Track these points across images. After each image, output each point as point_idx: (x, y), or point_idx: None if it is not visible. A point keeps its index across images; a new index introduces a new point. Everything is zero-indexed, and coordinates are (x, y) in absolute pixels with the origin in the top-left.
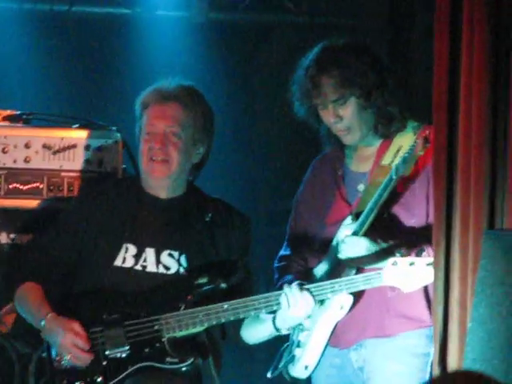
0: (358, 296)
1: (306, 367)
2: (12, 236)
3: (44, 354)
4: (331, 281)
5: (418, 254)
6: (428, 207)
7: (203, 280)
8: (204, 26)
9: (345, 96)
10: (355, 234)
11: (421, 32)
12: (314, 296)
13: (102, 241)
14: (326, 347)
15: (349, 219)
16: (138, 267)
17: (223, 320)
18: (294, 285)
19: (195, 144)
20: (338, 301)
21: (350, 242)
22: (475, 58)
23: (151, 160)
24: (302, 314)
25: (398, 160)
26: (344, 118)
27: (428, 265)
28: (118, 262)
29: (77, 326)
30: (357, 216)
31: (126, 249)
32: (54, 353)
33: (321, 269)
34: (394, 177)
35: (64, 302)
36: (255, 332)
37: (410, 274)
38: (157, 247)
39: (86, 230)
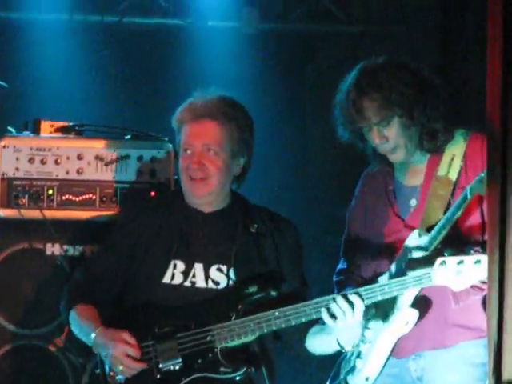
0: (423, 311)
1: (367, 379)
2: (65, 247)
3: (98, 371)
4: (380, 283)
5: (466, 253)
6: (482, 216)
7: (253, 289)
8: (254, 36)
9: (387, 117)
10: (425, 249)
11: (473, 38)
12: (363, 300)
13: (150, 257)
14: (387, 360)
15: (415, 234)
16: (188, 283)
17: (274, 328)
18: (341, 294)
19: (234, 157)
20: (404, 316)
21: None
22: None
23: (190, 179)
24: (351, 322)
25: (454, 171)
26: (389, 138)
27: (476, 262)
28: (166, 279)
29: (127, 336)
30: (427, 230)
31: (175, 265)
32: (107, 368)
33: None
34: (468, 197)
35: (114, 319)
36: (321, 343)
37: (459, 272)
38: (205, 262)
39: (135, 247)
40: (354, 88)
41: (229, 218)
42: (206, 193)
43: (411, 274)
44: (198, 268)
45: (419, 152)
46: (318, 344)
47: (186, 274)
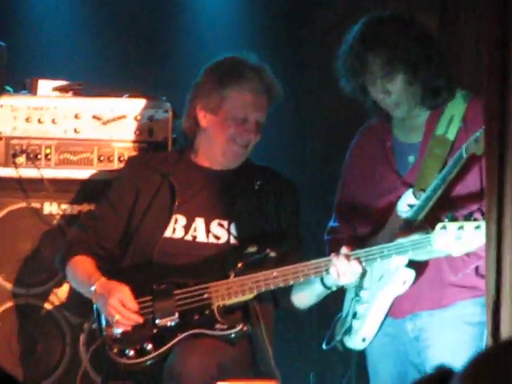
0: (419, 271)
1: (364, 339)
2: (63, 206)
3: (94, 325)
4: (380, 246)
5: (467, 218)
6: (481, 176)
7: (253, 249)
8: None
9: (392, 72)
10: (420, 209)
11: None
12: (361, 262)
13: (151, 212)
14: (384, 320)
15: (409, 193)
16: (189, 237)
17: (273, 287)
18: (342, 255)
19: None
20: (401, 276)
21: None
22: None
23: (235, 143)
24: (352, 280)
25: (452, 130)
26: (392, 93)
27: (476, 228)
28: (168, 233)
29: (125, 289)
30: (420, 189)
31: (176, 220)
32: (104, 322)
33: (378, 239)
34: (464, 155)
35: (115, 274)
36: (305, 295)
37: (458, 237)
38: (206, 217)
39: (135, 205)
40: (358, 41)
41: (233, 175)
42: (242, 159)
43: (411, 238)
44: (200, 222)
45: (420, 108)
46: (303, 297)
47: (187, 228)
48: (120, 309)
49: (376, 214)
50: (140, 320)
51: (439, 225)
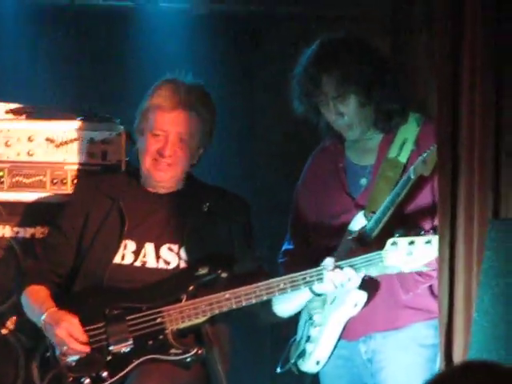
0: (371, 293)
1: (318, 362)
2: (16, 229)
3: (48, 354)
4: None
5: (417, 234)
6: (433, 197)
7: (204, 271)
8: (206, 17)
9: (344, 93)
10: (370, 230)
11: (423, 21)
12: (313, 280)
13: (101, 237)
14: (337, 342)
15: (361, 215)
16: (138, 263)
17: (225, 309)
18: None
19: (199, 148)
20: (352, 298)
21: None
22: (477, 50)
23: (156, 161)
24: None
25: (405, 154)
26: (345, 114)
27: (427, 243)
28: (117, 260)
29: (73, 320)
30: (371, 211)
31: (125, 245)
32: (57, 351)
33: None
34: (412, 177)
35: (66, 301)
36: (291, 303)
37: (410, 253)
38: (156, 242)
39: (85, 229)
40: (312, 62)
41: (182, 198)
42: (169, 178)
43: (362, 256)
44: (149, 248)
45: (373, 131)
46: (287, 304)
47: (136, 253)
48: (67, 339)
49: (329, 235)
50: (87, 350)
51: (390, 241)
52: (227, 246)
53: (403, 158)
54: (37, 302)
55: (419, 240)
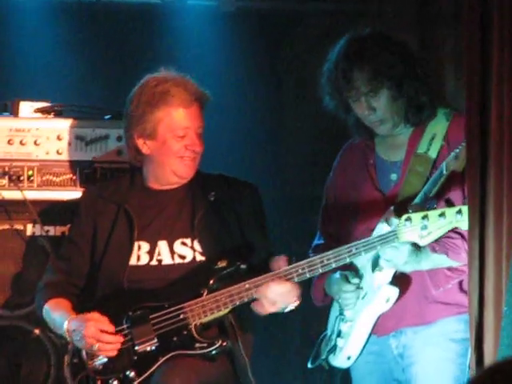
0: (403, 288)
1: (349, 357)
2: (46, 228)
3: (75, 360)
4: (347, 245)
5: (430, 208)
6: (464, 196)
7: (223, 264)
8: (233, 14)
9: (377, 88)
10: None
11: (451, 14)
12: (331, 263)
13: (112, 243)
14: (368, 338)
15: (391, 210)
16: (154, 262)
17: (246, 299)
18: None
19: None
20: (384, 294)
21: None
22: (506, 43)
23: (182, 160)
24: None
25: (434, 149)
26: (377, 109)
27: (440, 215)
28: (133, 261)
29: (96, 315)
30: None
31: (139, 246)
32: (84, 355)
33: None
34: (444, 172)
35: (88, 308)
36: None
37: (424, 227)
38: (168, 239)
39: (96, 238)
40: (343, 58)
41: (188, 191)
42: (193, 172)
43: (376, 233)
44: (163, 245)
45: (403, 125)
46: None
47: (151, 253)
48: (98, 336)
49: (358, 231)
50: (121, 339)
51: (404, 217)
52: (239, 233)
53: (433, 154)
54: (57, 313)
55: (432, 213)
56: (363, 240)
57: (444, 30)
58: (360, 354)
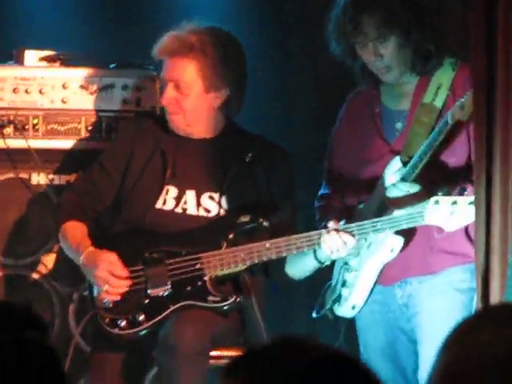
0: (408, 238)
1: (354, 307)
2: (51, 177)
3: (86, 293)
4: (373, 220)
5: (460, 193)
6: (469, 145)
7: (245, 219)
8: None
9: (385, 34)
10: (407, 176)
11: None
12: (354, 236)
13: (143, 181)
14: (373, 287)
15: (397, 159)
16: (179, 210)
17: (265, 259)
18: (333, 231)
19: (209, 91)
20: (389, 243)
21: (402, 189)
22: None
23: (168, 113)
24: (344, 255)
25: (440, 98)
26: (384, 56)
27: (470, 203)
28: (158, 204)
29: (112, 256)
30: (407, 156)
31: (167, 191)
32: (95, 292)
33: (365, 207)
34: (449, 122)
35: (105, 241)
36: (299, 266)
37: (452, 212)
38: (197, 189)
39: (128, 170)
40: (352, 3)
41: (221, 145)
42: (183, 126)
43: (404, 212)
44: (190, 195)
45: (409, 74)
46: (297, 268)
47: (177, 200)
48: (108, 278)
49: (363, 180)
50: (129, 283)
51: (433, 199)
52: (267, 197)
53: (439, 103)
54: (74, 241)
55: (462, 200)
56: (389, 217)
57: None
58: (365, 304)
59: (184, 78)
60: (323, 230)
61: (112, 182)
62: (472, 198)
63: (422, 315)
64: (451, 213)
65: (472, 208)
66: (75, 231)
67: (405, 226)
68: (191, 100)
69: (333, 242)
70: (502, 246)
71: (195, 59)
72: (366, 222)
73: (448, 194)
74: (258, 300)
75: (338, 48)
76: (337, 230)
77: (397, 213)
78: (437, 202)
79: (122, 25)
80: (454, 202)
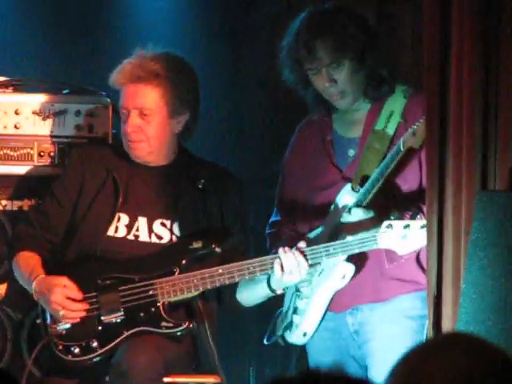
0: (359, 266)
1: (305, 334)
2: (3, 202)
3: (38, 320)
4: (325, 244)
5: (413, 217)
6: (421, 172)
7: (198, 245)
8: None
9: (339, 59)
10: (359, 203)
11: None
12: (308, 260)
13: (94, 209)
14: (324, 314)
15: (348, 187)
16: (131, 237)
17: (218, 284)
18: (288, 250)
19: (172, 116)
20: (341, 270)
21: (356, 214)
22: (465, 20)
23: (128, 141)
24: (296, 279)
25: (392, 126)
26: (338, 81)
27: (422, 227)
28: (110, 232)
29: (65, 280)
30: (360, 183)
31: (119, 218)
32: (48, 318)
33: (316, 234)
34: (401, 149)
35: (57, 270)
36: (251, 294)
37: (404, 236)
38: (149, 216)
39: (80, 198)
40: (305, 29)
41: (174, 173)
42: (145, 154)
43: (357, 237)
44: (142, 222)
45: (362, 100)
46: (248, 296)
47: (129, 227)
48: (64, 302)
49: (315, 207)
50: (86, 306)
51: (385, 223)
52: (219, 224)
53: (390, 130)
54: (27, 269)
55: (415, 224)
56: (341, 241)
57: (402, 4)
58: (316, 331)
59: (148, 104)
60: (279, 251)
61: (64, 213)
62: (424, 222)
63: (373, 342)
64: (404, 236)
65: (424, 232)
66: (28, 260)
67: (357, 251)
68: (156, 127)
69: (287, 262)
70: (455, 275)
71: (159, 86)
72: (319, 245)
73: (400, 218)
74: (211, 325)
75: (290, 76)
76: (293, 253)
77: (350, 238)
78: (389, 226)
79: (76, 51)
80: (407, 226)
